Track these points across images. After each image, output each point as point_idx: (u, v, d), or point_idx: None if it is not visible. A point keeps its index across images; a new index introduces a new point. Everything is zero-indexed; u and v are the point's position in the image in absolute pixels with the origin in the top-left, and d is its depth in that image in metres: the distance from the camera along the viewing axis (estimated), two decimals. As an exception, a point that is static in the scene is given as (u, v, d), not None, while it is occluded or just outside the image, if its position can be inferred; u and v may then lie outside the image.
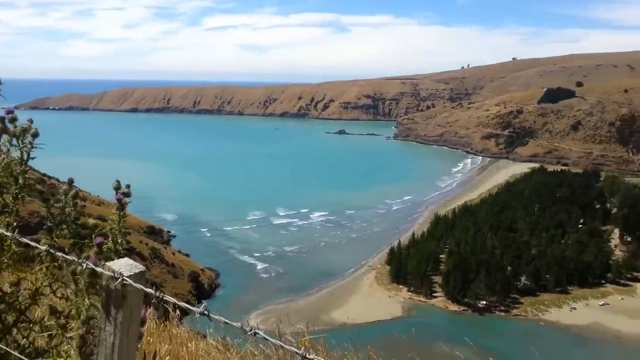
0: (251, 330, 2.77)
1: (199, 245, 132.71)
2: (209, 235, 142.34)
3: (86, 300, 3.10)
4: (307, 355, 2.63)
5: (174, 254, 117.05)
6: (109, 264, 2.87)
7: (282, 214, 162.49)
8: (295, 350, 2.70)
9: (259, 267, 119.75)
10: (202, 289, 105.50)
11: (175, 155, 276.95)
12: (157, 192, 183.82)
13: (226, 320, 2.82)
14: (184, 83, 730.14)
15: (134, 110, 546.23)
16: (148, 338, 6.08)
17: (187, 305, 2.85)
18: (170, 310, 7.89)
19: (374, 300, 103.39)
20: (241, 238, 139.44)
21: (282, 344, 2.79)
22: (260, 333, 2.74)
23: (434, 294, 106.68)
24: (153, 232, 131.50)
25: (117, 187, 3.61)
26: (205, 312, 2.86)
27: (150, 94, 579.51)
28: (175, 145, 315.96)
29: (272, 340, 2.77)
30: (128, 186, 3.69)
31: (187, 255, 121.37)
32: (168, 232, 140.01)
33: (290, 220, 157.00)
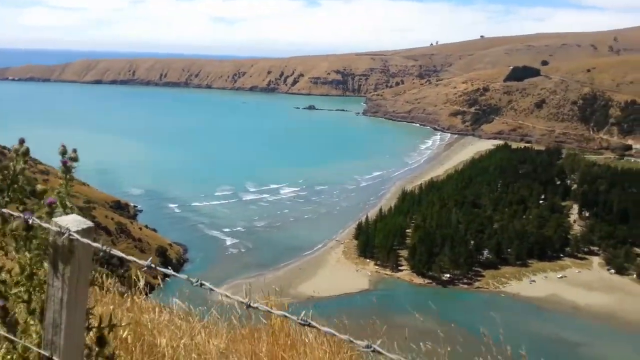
0: (197, 281, 2.92)
1: (167, 220, 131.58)
2: (176, 210, 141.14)
3: (27, 255, 3.18)
4: (251, 304, 2.78)
5: (140, 228, 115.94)
6: (56, 219, 2.91)
7: (251, 189, 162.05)
8: (241, 299, 2.81)
9: (227, 242, 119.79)
10: (170, 264, 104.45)
11: (141, 128, 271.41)
12: (123, 166, 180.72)
13: (174, 273, 2.98)
14: (150, 55, 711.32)
15: (98, 82, 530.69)
16: (111, 306, 6.27)
17: (134, 259, 3.04)
18: (138, 281, 8.02)
19: (341, 274, 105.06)
20: (210, 213, 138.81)
21: (227, 293, 3.01)
22: (207, 284, 2.92)
23: (399, 268, 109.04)
24: (119, 206, 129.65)
25: (63, 152, 3.72)
26: (152, 265, 3.00)
27: (115, 65, 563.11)
28: (141, 119, 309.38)
29: (217, 290, 2.94)
30: (75, 150, 3.81)
31: (155, 230, 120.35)
32: (134, 206, 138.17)
33: (260, 196, 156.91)
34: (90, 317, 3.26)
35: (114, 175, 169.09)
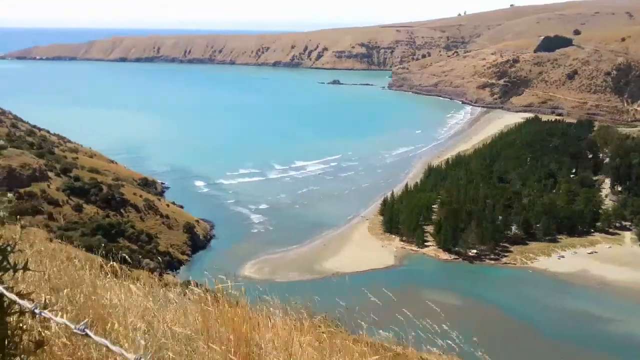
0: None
1: (193, 197, 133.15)
2: (203, 187, 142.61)
3: None
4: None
5: (168, 205, 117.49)
6: None
7: (276, 165, 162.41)
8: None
9: (253, 219, 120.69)
10: (197, 240, 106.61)
11: (167, 105, 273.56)
12: (149, 144, 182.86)
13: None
14: (173, 32, 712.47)
15: (123, 60, 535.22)
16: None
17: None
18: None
19: (366, 250, 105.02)
20: (235, 190, 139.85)
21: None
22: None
23: (425, 243, 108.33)
24: (146, 184, 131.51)
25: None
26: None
27: (139, 43, 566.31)
28: (166, 96, 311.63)
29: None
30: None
31: (181, 207, 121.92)
32: (162, 183, 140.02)
33: (285, 172, 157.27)
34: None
35: (141, 153, 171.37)
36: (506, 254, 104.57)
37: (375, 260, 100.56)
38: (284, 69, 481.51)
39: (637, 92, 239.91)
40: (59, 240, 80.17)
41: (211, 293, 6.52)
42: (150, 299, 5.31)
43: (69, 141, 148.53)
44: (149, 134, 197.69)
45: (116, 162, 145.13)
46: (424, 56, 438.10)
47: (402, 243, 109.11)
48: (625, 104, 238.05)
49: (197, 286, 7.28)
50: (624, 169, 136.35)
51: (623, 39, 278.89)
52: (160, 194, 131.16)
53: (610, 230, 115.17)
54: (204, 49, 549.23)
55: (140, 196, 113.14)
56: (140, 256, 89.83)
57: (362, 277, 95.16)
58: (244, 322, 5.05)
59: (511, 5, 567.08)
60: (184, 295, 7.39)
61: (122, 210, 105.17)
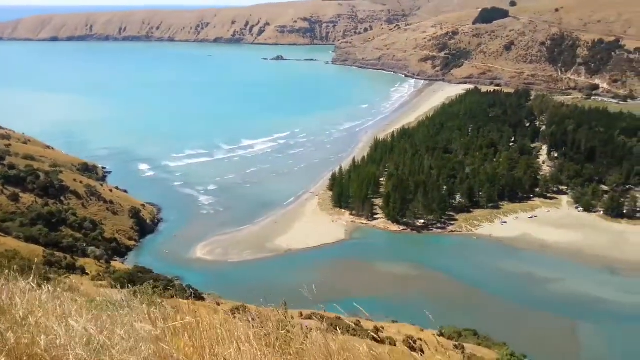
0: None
1: (138, 181, 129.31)
2: (147, 170, 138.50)
3: None
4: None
5: (111, 190, 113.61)
6: None
7: (223, 145, 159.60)
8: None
9: (202, 200, 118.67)
10: (144, 225, 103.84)
11: (104, 86, 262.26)
12: (87, 127, 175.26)
13: None
14: (107, 8, 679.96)
15: (54, 39, 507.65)
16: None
17: None
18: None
19: (317, 226, 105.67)
20: (182, 171, 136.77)
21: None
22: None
23: (375, 216, 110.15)
24: (87, 169, 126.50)
25: None
26: None
27: (71, 20, 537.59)
28: (102, 76, 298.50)
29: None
30: None
31: (126, 192, 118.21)
32: (103, 168, 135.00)
33: (232, 152, 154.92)
34: None
35: (79, 137, 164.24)
36: (452, 223, 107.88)
37: (326, 235, 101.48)
38: (226, 45, 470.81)
39: (571, 61, 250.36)
40: (-4, 233, 75.41)
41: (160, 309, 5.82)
42: (92, 328, 4.64)
43: (0, 127, 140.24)
44: (87, 117, 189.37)
45: (53, 148, 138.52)
46: (366, 30, 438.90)
47: (352, 217, 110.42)
48: (560, 73, 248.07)
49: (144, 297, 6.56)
50: (559, 136, 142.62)
51: (557, 10, 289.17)
52: (102, 179, 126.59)
53: (549, 195, 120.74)
54: (140, 25, 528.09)
55: (81, 182, 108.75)
56: (85, 244, 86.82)
57: (314, 252, 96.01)
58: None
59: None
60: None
61: (62, 198, 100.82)
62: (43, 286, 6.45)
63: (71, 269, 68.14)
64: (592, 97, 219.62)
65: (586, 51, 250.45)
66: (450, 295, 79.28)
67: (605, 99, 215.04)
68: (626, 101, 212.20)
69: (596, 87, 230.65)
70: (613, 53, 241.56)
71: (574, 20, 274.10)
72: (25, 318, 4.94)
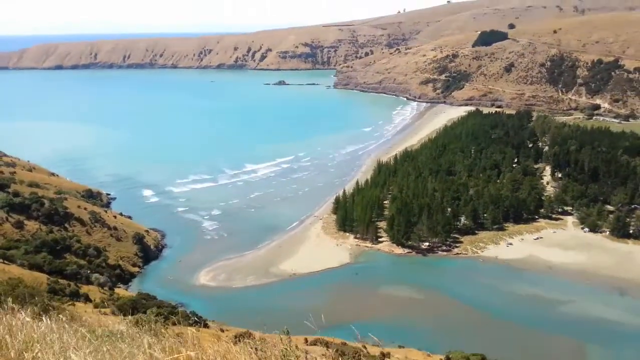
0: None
1: (142, 207, 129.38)
2: (151, 196, 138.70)
3: None
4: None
5: (115, 217, 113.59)
6: None
7: (227, 170, 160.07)
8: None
9: (206, 225, 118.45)
10: (148, 251, 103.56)
11: (108, 113, 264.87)
12: (92, 154, 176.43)
13: None
14: (111, 37, 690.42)
15: (59, 68, 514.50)
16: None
17: None
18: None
19: (322, 249, 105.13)
20: (186, 197, 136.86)
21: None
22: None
23: (379, 239, 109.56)
24: (91, 195, 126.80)
25: None
26: None
27: (75, 49, 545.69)
28: (107, 103, 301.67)
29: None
30: None
31: (130, 218, 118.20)
32: (107, 194, 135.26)
33: (236, 176, 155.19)
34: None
35: (84, 164, 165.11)
36: (457, 245, 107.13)
37: (331, 259, 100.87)
38: (229, 71, 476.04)
39: (571, 81, 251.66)
40: (0, 260, 75.45)
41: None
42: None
43: (5, 155, 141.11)
44: (91, 143, 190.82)
45: (58, 175, 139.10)
46: (367, 54, 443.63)
47: (356, 240, 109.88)
48: (560, 94, 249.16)
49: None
50: (562, 156, 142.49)
51: (555, 31, 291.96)
52: (107, 205, 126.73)
53: (554, 215, 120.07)
54: (144, 53, 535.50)
55: (85, 209, 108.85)
56: (89, 271, 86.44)
57: (319, 276, 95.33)
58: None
59: (448, 1, 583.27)
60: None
61: (66, 225, 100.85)
62: (44, 318, 6.36)
63: (75, 296, 67.82)
64: (594, 117, 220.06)
65: (586, 71, 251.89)
66: (457, 319, 78.31)
67: (607, 119, 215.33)
68: (628, 120, 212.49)
69: (597, 107, 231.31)
70: (613, 73, 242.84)
71: (573, 41, 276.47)
72: (22, 353, 4.84)
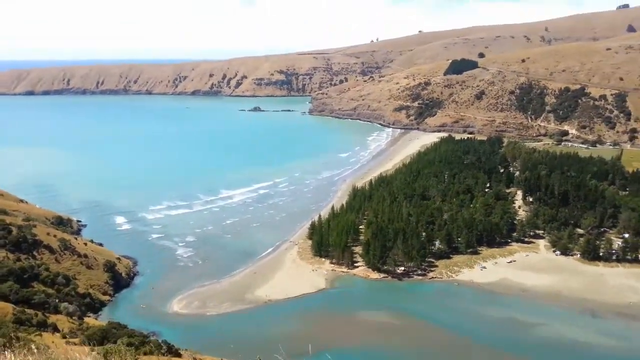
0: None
1: (114, 234, 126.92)
2: (123, 222, 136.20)
3: None
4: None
5: (85, 244, 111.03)
6: None
7: (201, 196, 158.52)
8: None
9: (179, 252, 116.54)
10: (119, 279, 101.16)
11: (80, 139, 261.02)
12: (62, 180, 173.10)
13: None
14: (84, 63, 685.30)
15: (30, 93, 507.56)
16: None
17: None
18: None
19: (298, 275, 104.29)
20: (159, 223, 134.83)
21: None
22: None
23: (355, 264, 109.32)
24: (61, 222, 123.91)
25: None
26: None
27: (48, 74, 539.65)
28: (79, 129, 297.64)
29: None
30: None
31: (101, 245, 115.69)
32: (78, 221, 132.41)
33: (212, 202, 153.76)
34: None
35: (53, 190, 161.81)
36: (432, 269, 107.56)
37: (307, 284, 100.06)
38: (204, 98, 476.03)
39: (540, 108, 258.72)
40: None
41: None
42: None
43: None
44: (62, 170, 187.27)
45: (27, 202, 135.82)
46: (341, 81, 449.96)
47: (332, 265, 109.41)
48: (530, 120, 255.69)
49: None
50: (533, 181, 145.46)
51: (523, 60, 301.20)
52: (77, 232, 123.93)
53: (526, 239, 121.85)
54: (117, 79, 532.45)
55: (55, 236, 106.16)
56: (57, 300, 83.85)
57: (294, 302, 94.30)
58: None
59: (419, 31, 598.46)
60: None
61: (34, 253, 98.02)
62: (6, 352, 6.16)
63: (42, 326, 65.61)
64: (563, 143, 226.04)
65: (554, 99, 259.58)
66: (435, 344, 78.13)
67: (575, 145, 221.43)
68: (595, 146, 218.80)
69: (566, 133, 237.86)
70: (579, 100, 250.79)
71: (540, 69, 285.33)
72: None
